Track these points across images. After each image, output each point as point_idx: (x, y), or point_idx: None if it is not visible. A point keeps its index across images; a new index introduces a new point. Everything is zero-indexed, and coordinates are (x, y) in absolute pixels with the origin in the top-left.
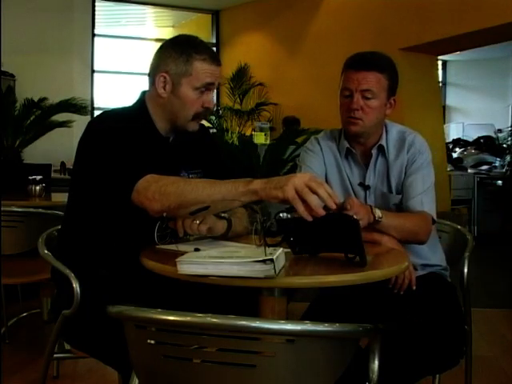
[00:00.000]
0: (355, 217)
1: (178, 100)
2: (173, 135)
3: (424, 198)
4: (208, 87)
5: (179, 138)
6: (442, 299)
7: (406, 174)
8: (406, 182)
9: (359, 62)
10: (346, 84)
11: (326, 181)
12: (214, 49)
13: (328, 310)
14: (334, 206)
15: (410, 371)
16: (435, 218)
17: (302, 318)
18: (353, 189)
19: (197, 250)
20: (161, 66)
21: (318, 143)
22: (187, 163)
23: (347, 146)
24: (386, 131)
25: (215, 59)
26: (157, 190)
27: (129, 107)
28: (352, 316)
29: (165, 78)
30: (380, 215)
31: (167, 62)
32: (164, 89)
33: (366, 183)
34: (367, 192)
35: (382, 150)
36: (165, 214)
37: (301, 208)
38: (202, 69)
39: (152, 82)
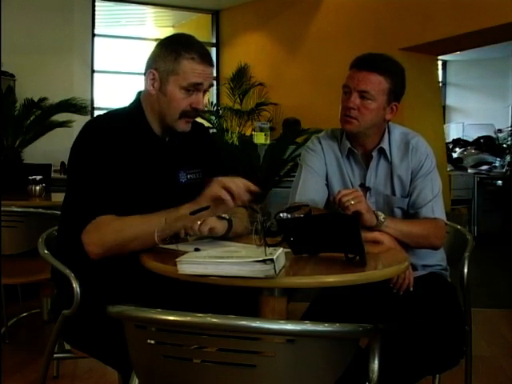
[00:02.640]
0: (344, 199)
1: (165, 98)
2: (168, 136)
3: (434, 204)
4: (196, 87)
5: (176, 139)
6: (442, 299)
7: (413, 177)
8: (415, 188)
9: (363, 62)
10: (346, 81)
11: (327, 180)
12: (214, 49)
13: (328, 310)
14: (245, 201)
15: (410, 371)
16: (446, 221)
17: (302, 318)
18: None
19: (197, 249)
20: (151, 64)
21: (319, 142)
22: (185, 163)
23: (349, 146)
24: (389, 132)
25: (205, 59)
26: (96, 236)
27: (125, 108)
28: (352, 316)
29: (154, 74)
30: (383, 216)
31: (156, 60)
32: (153, 86)
33: (367, 185)
34: (368, 193)
35: (383, 153)
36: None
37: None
38: (189, 68)
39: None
